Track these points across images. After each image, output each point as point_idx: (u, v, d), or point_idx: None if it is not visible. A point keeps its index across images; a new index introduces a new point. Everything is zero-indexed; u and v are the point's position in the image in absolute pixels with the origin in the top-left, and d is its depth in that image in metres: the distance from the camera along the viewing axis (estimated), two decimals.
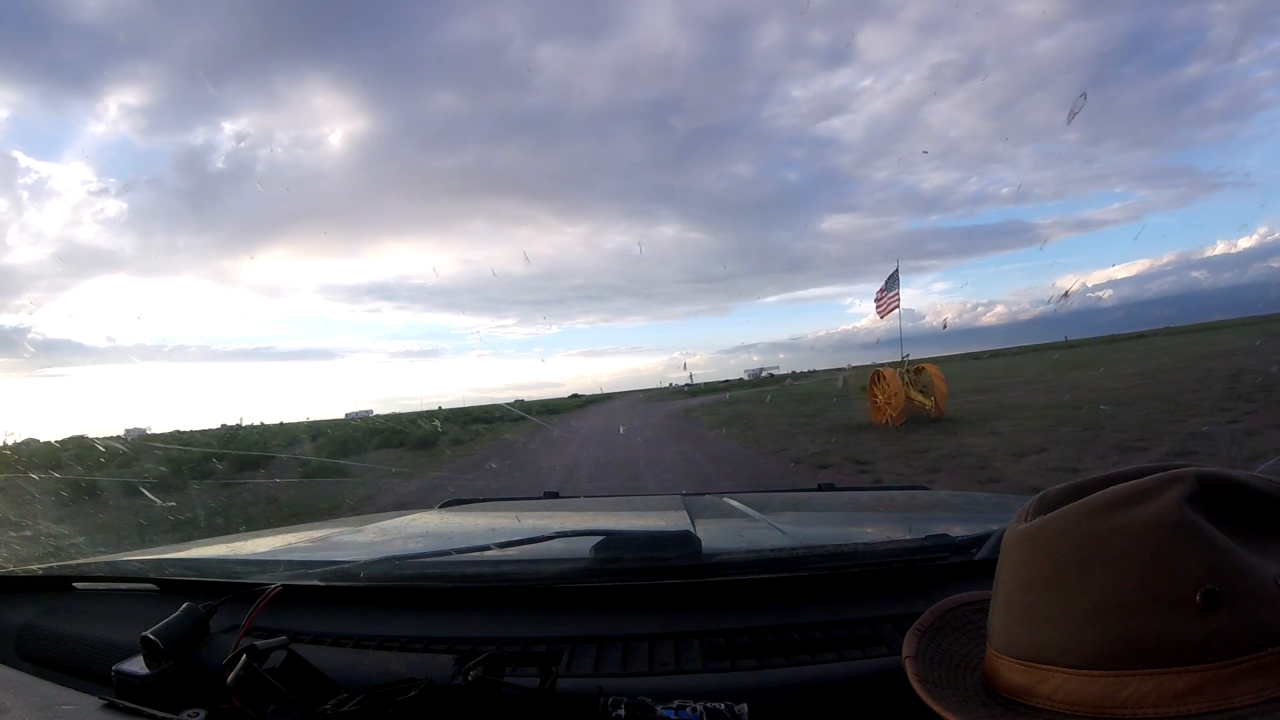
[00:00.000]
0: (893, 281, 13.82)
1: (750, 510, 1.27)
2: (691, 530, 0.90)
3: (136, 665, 0.68)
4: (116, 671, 0.67)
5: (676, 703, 0.58)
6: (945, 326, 38.03)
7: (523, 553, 0.87)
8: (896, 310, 13.65)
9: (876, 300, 13.88)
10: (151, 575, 0.98)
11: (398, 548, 1.10)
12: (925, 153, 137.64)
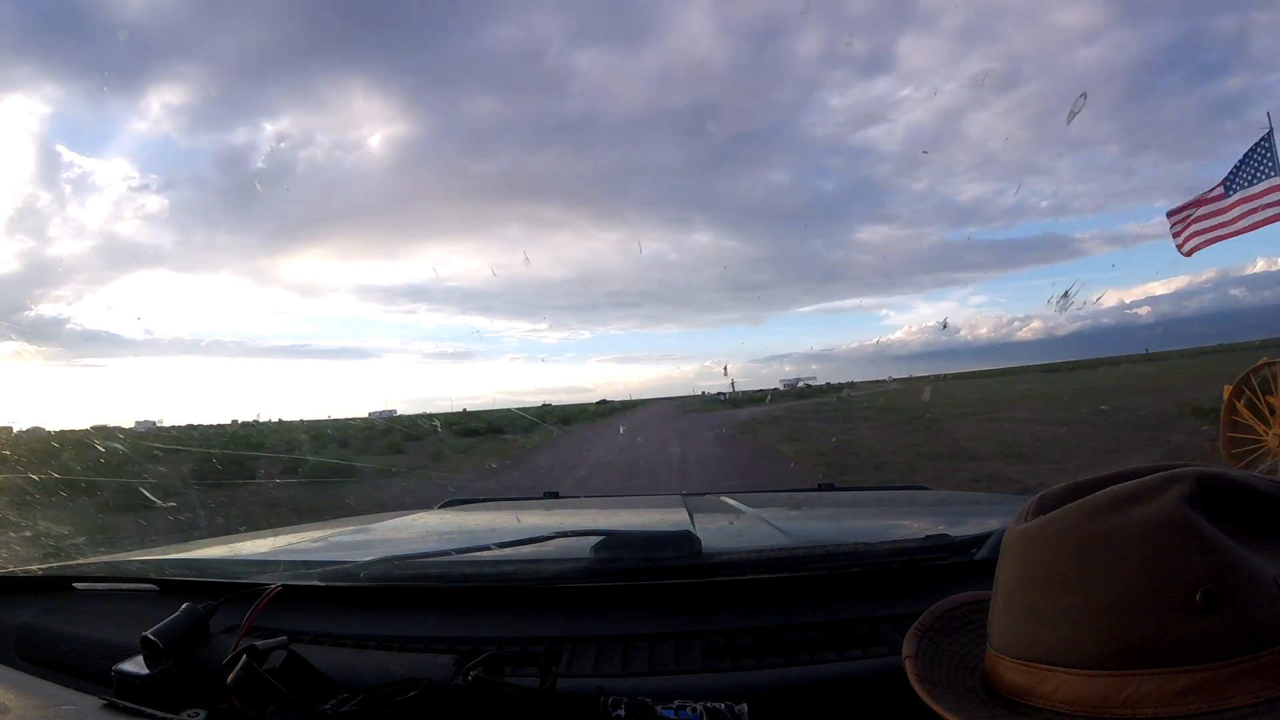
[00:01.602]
0: (1264, 160, 5.91)
1: (750, 510, 1.27)
2: (691, 530, 0.90)
3: (136, 665, 0.68)
4: (116, 671, 0.67)
5: (676, 703, 0.58)
6: (945, 326, 37.52)
7: (523, 553, 0.87)
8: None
9: (1196, 212, 6.34)
10: (151, 575, 0.98)
11: (398, 548, 1.10)
12: (925, 153, 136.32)
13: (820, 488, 1.70)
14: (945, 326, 29.85)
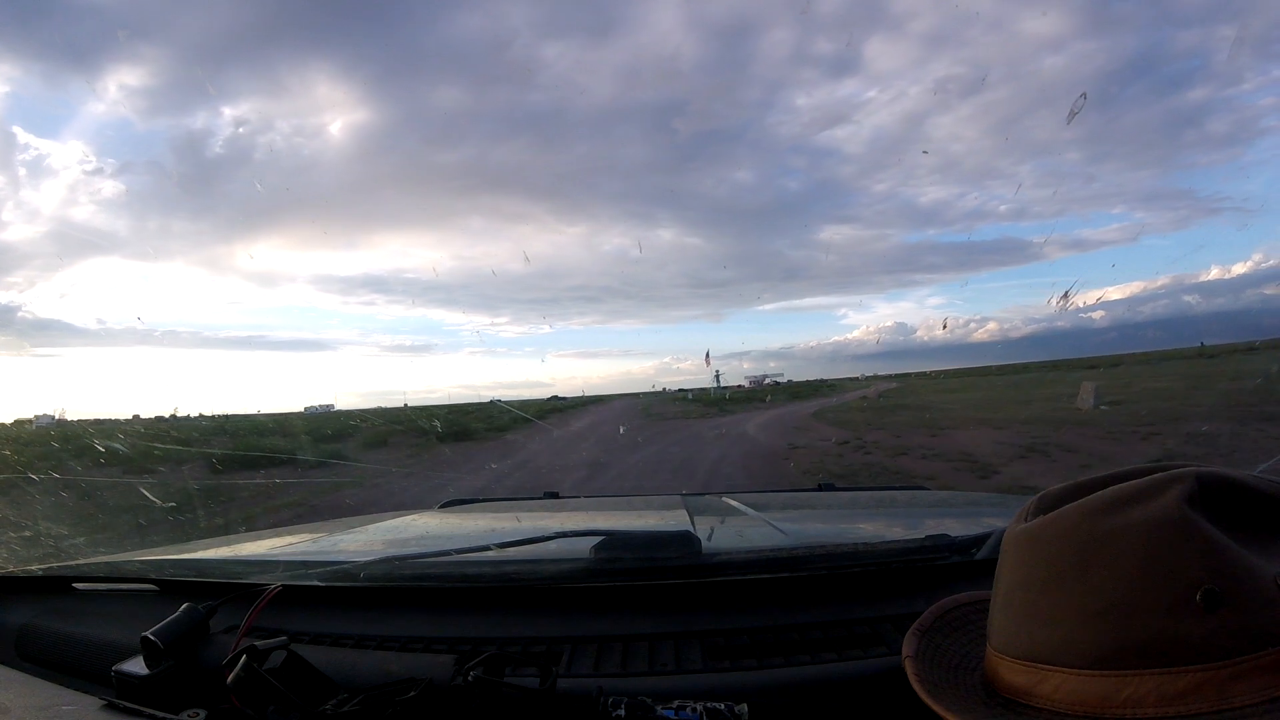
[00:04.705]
0: None
1: (750, 510, 1.27)
2: (691, 530, 0.90)
3: (136, 665, 0.68)
4: (116, 671, 0.68)
5: (676, 703, 0.58)
6: (945, 327, 37.56)
7: (523, 553, 0.87)
8: None
9: None
10: (151, 575, 0.98)
11: (398, 548, 1.10)
12: (925, 153, 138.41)
13: (820, 488, 1.69)
14: (945, 326, 29.50)
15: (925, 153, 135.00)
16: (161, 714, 0.57)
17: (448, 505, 1.66)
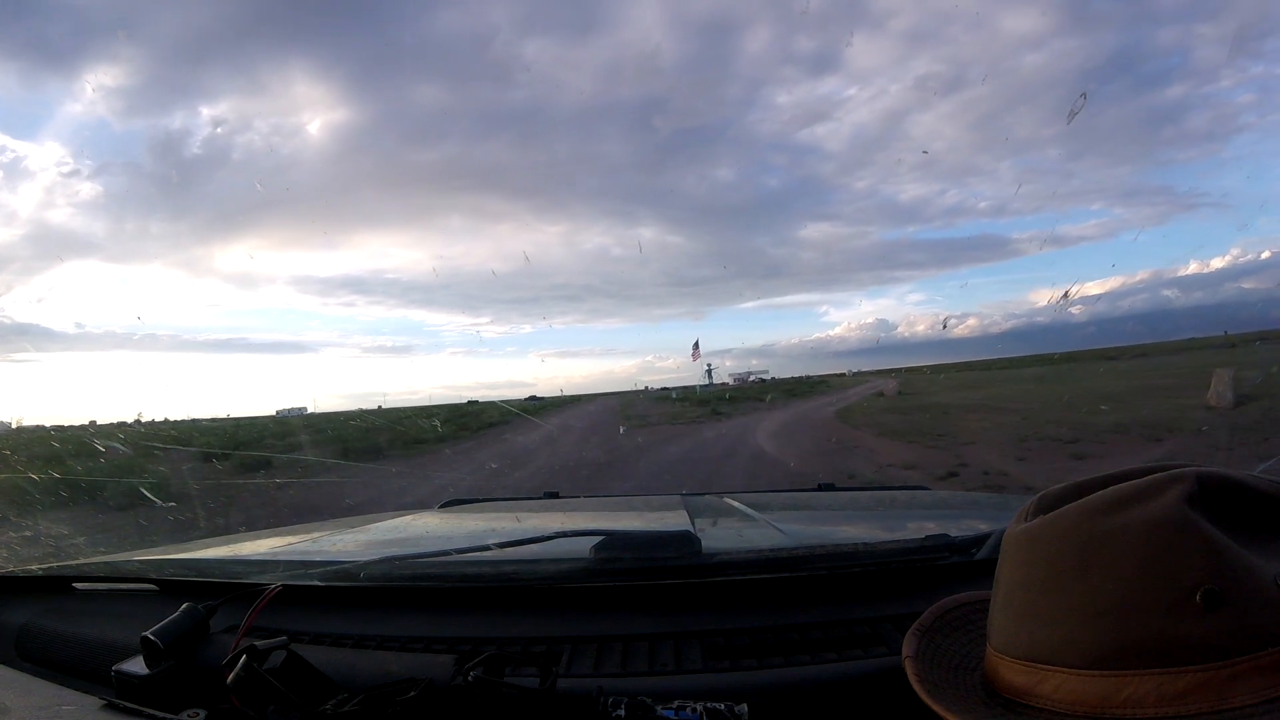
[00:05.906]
0: None
1: (750, 510, 1.27)
2: (691, 530, 0.90)
3: (136, 665, 0.68)
4: (116, 671, 0.68)
5: (676, 703, 0.58)
6: (945, 326, 37.89)
7: (523, 553, 0.87)
8: None
9: None
10: (151, 575, 0.98)
11: (398, 548, 1.10)
12: (925, 153, 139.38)
13: (820, 488, 1.69)
14: (945, 325, 29.74)
15: (925, 153, 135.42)
16: (161, 714, 0.57)
17: (448, 505, 1.66)
